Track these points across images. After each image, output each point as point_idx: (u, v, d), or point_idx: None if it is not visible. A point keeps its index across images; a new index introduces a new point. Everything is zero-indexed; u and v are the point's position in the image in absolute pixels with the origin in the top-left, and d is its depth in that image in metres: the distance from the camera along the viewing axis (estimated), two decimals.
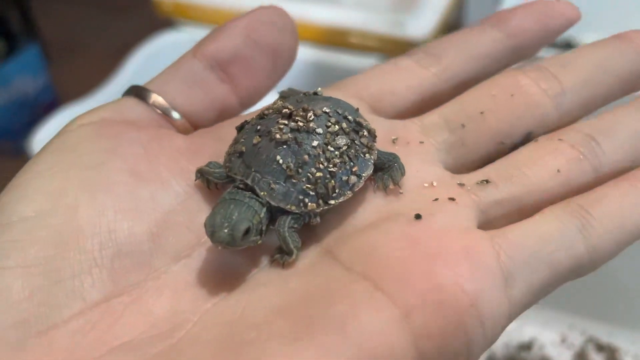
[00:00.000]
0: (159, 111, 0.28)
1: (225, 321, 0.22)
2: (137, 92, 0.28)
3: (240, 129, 0.27)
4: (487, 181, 0.26)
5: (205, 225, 0.24)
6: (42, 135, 0.62)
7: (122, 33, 0.94)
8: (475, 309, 0.22)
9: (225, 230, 0.23)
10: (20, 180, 0.25)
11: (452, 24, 0.84)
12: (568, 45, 0.81)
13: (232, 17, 0.79)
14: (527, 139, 0.28)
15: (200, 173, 0.26)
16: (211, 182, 0.26)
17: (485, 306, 0.22)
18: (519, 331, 0.57)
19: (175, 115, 0.28)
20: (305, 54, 0.73)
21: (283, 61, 0.30)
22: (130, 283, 0.23)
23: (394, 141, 0.28)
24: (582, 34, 0.83)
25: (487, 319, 0.22)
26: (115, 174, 0.25)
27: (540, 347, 0.56)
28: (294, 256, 0.24)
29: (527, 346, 0.56)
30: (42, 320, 0.22)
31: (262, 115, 0.27)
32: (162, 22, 0.79)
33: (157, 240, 0.24)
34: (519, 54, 0.31)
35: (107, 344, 0.22)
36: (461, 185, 0.26)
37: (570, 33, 0.83)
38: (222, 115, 0.29)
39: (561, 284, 0.24)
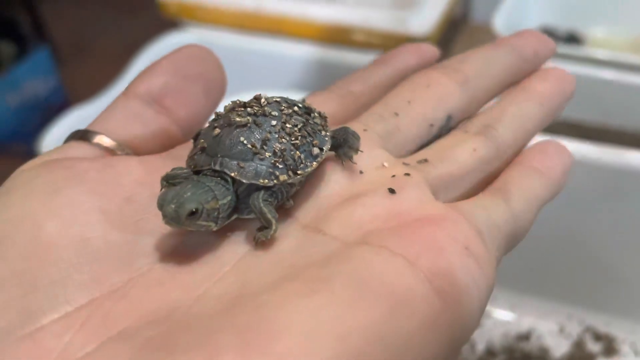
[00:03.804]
0: (104, 148, 0.28)
1: (228, 297, 0.22)
2: (79, 136, 0.29)
3: (195, 137, 0.28)
4: (425, 160, 0.30)
5: (157, 198, 0.24)
6: (53, 137, 0.63)
7: (130, 33, 0.95)
8: (469, 250, 0.25)
9: (172, 206, 0.23)
10: None
11: (455, 20, 0.84)
12: (573, 39, 0.82)
13: (235, 17, 0.80)
14: (449, 122, 0.33)
15: (166, 180, 0.26)
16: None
17: (475, 249, 0.25)
18: (517, 322, 0.57)
19: (121, 151, 0.29)
20: (308, 52, 0.74)
21: (215, 89, 0.32)
22: (115, 282, 0.23)
23: None
24: (588, 28, 0.83)
25: (480, 259, 0.25)
26: (77, 195, 0.25)
27: (538, 337, 0.56)
28: (274, 226, 0.25)
29: (525, 336, 0.56)
30: (24, 326, 0.21)
31: (215, 117, 0.27)
32: (170, 23, 0.80)
33: (135, 245, 0.25)
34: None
35: (99, 337, 0.21)
36: (406, 165, 0.29)
37: (578, 27, 0.83)
38: (167, 146, 0.30)
39: (509, 246, 0.29)
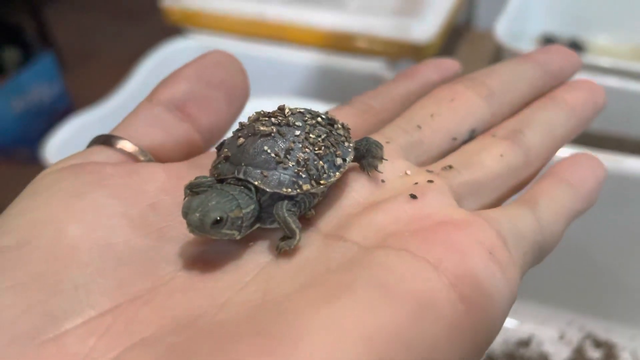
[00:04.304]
0: (127, 154, 0.29)
1: (250, 305, 0.22)
2: (102, 140, 0.29)
3: (219, 147, 0.28)
4: (450, 167, 0.29)
5: (182, 206, 0.24)
6: (57, 142, 0.63)
7: (134, 40, 0.96)
8: (493, 255, 0.24)
9: (197, 215, 0.23)
10: None
11: (458, 27, 0.85)
12: (575, 46, 0.82)
13: (238, 24, 0.80)
14: (472, 135, 0.32)
15: (190, 189, 0.26)
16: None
17: (499, 255, 0.25)
18: (517, 328, 0.58)
19: (144, 157, 0.29)
20: (310, 59, 0.75)
21: (237, 97, 0.32)
22: (139, 289, 0.23)
23: None
24: (590, 35, 0.84)
25: (504, 265, 0.25)
26: (101, 199, 0.25)
27: (538, 344, 0.56)
28: (297, 236, 0.25)
29: (525, 343, 0.56)
30: (47, 329, 0.21)
31: (240, 127, 0.28)
32: (173, 30, 0.80)
33: (158, 251, 0.25)
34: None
35: (123, 343, 0.21)
36: (430, 172, 0.29)
37: (580, 35, 0.83)
38: (189, 153, 0.30)
39: (537, 258, 0.28)
